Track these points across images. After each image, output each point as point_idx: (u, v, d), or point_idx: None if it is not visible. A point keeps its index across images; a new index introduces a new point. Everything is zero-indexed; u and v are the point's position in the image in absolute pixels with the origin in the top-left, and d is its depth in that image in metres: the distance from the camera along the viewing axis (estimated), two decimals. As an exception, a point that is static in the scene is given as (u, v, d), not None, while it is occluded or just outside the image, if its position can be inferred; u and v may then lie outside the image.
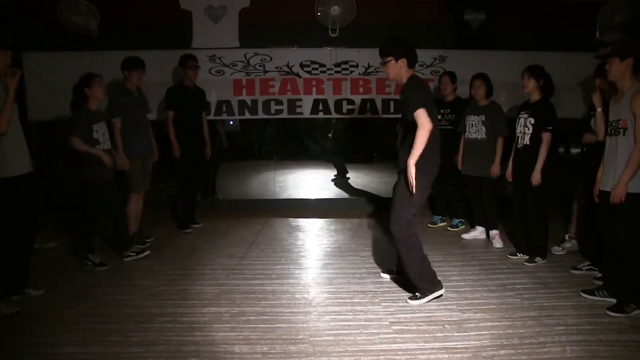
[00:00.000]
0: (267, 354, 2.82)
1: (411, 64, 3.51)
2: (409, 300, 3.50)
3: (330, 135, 8.31)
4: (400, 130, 3.62)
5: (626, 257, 3.24)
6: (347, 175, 8.13)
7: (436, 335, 3.03)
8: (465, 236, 5.12)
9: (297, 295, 3.66)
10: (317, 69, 6.10)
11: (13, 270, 3.43)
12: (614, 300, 3.36)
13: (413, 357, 2.79)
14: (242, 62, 6.04)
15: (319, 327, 3.15)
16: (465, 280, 3.92)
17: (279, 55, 6.07)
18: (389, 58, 3.49)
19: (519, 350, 2.83)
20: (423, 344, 2.93)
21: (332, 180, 8.10)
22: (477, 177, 4.88)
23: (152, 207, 5.36)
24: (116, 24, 5.77)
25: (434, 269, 3.60)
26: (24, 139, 3.47)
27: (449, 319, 3.24)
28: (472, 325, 3.16)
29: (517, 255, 4.43)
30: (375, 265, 4.32)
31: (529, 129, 4.21)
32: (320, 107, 6.14)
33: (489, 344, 2.92)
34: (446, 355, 2.80)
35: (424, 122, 3.28)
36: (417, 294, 3.52)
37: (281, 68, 6.08)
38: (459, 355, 2.80)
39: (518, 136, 4.32)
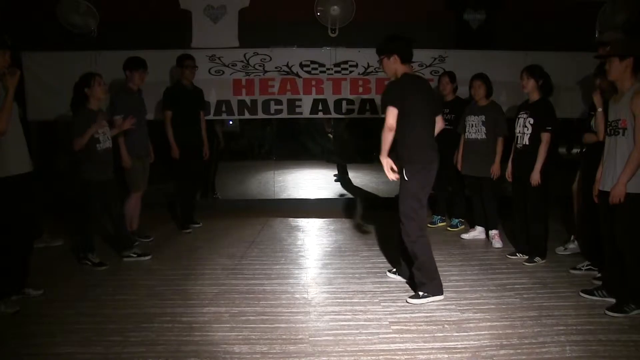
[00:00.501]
0: (267, 354, 2.82)
1: (404, 58, 3.51)
2: (409, 300, 3.50)
3: (330, 135, 8.30)
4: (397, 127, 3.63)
5: (626, 257, 3.24)
6: (348, 175, 8.12)
7: (436, 335, 3.03)
8: (465, 236, 5.12)
9: (297, 295, 3.66)
10: (316, 68, 6.10)
11: (13, 270, 3.43)
12: (613, 300, 3.35)
13: (412, 357, 2.78)
14: (242, 62, 6.04)
15: (318, 327, 3.15)
16: (464, 280, 3.92)
17: (278, 55, 6.07)
18: (382, 56, 3.55)
19: (519, 350, 2.83)
20: (422, 343, 2.92)
21: (335, 178, 8.09)
22: (477, 177, 4.88)
23: (151, 207, 5.36)
24: (116, 23, 5.77)
25: (434, 268, 3.61)
26: (24, 139, 3.47)
27: (449, 319, 3.24)
28: (471, 325, 3.16)
29: (517, 255, 4.43)
30: (375, 265, 4.31)
31: (528, 129, 4.21)
32: (320, 107, 6.15)
33: (488, 343, 2.91)
34: (446, 355, 2.80)
35: (387, 120, 3.39)
36: (419, 292, 3.51)
37: (281, 68, 6.08)
38: (458, 355, 2.79)
39: (517, 136, 4.32)
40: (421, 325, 3.16)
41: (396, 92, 3.44)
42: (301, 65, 6.09)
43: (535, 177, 4.13)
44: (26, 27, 5.66)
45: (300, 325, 3.17)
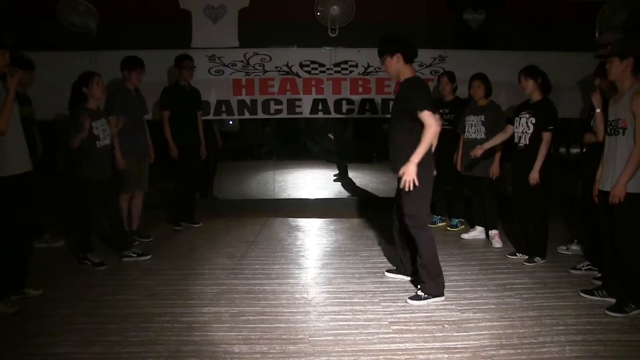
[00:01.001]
0: (267, 354, 2.82)
1: (407, 58, 3.51)
2: (409, 300, 3.50)
3: (331, 135, 8.30)
4: (392, 130, 3.62)
5: (626, 257, 3.24)
6: (348, 175, 8.13)
7: (435, 335, 3.03)
8: (465, 236, 5.12)
9: (297, 295, 3.66)
10: (316, 68, 6.10)
11: (12, 270, 3.42)
12: (613, 301, 3.36)
13: (412, 356, 2.79)
14: (242, 62, 6.04)
15: (318, 327, 3.15)
16: (464, 280, 3.92)
17: (278, 55, 6.06)
18: (385, 55, 3.53)
19: (519, 350, 2.83)
20: (422, 343, 2.93)
21: (335, 178, 8.10)
22: (476, 177, 4.88)
23: (151, 208, 5.36)
24: (116, 23, 5.77)
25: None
26: (24, 138, 3.46)
27: (449, 319, 3.24)
28: (471, 325, 3.16)
29: (517, 255, 4.43)
30: (374, 265, 4.31)
31: (530, 129, 4.21)
32: (320, 107, 6.14)
33: (488, 343, 2.92)
34: (445, 355, 2.80)
35: (432, 123, 3.30)
36: (421, 294, 3.51)
37: (280, 68, 6.07)
38: (458, 355, 2.79)
39: (519, 136, 4.31)
40: (421, 325, 3.16)
41: (426, 95, 3.45)
42: (301, 65, 6.09)
43: (534, 176, 4.13)
44: (26, 27, 5.66)
45: (300, 325, 3.18)
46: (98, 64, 5.35)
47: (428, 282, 3.51)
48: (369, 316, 3.30)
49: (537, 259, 4.28)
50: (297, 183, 8.07)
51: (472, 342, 2.93)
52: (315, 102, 6.13)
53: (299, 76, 6.09)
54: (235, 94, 6.08)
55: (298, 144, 8.95)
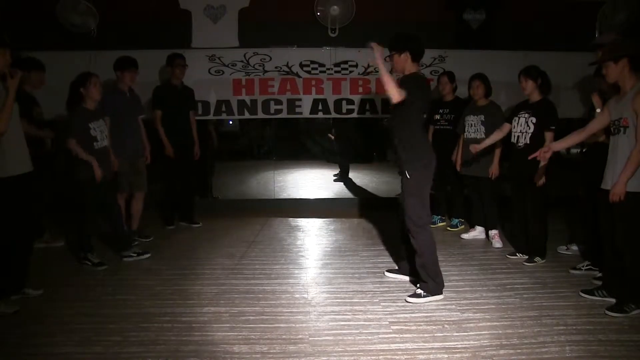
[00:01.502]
0: (267, 354, 2.82)
1: (415, 57, 3.54)
2: (408, 299, 3.50)
3: (332, 136, 8.31)
4: (393, 128, 3.63)
5: (626, 256, 3.24)
6: (348, 175, 8.13)
7: (435, 335, 3.03)
8: (465, 236, 5.12)
9: (297, 295, 3.66)
10: (316, 68, 6.10)
11: (12, 270, 3.42)
12: (613, 300, 3.36)
13: (412, 357, 2.79)
14: (242, 61, 6.04)
15: (318, 327, 3.15)
16: (464, 280, 3.92)
17: (278, 55, 6.06)
18: (393, 51, 3.55)
19: (519, 350, 2.83)
20: (422, 343, 2.93)
21: (335, 178, 8.11)
22: (476, 177, 4.88)
23: (151, 208, 5.36)
24: (115, 23, 5.77)
25: (434, 268, 3.61)
26: (24, 139, 3.46)
27: (449, 319, 3.24)
28: (471, 325, 3.16)
29: (517, 255, 4.43)
30: (374, 265, 4.31)
31: (530, 129, 4.21)
32: (320, 107, 6.14)
33: (488, 343, 2.92)
34: (445, 355, 2.80)
35: (398, 92, 3.30)
36: (420, 292, 3.52)
37: (280, 68, 6.07)
38: (458, 355, 2.79)
39: (517, 135, 4.32)
40: (421, 325, 3.16)
41: (418, 87, 3.46)
42: (301, 65, 6.08)
43: (540, 177, 4.13)
44: (26, 27, 5.66)
45: (300, 325, 3.18)
46: (98, 64, 5.34)
47: (428, 282, 3.52)
48: (369, 316, 3.30)
49: (537, 259, 4.28)
50: (297, 183, 8.08)
51: (472, 342, 2.93)
52: (315, 102, 6.13)
53: (299, 76, 6.09)
54: (236, 94, 6.07)
55: (298, 144, 8.95)
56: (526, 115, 4.25)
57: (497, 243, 4.82)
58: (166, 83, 5.36)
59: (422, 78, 3.61)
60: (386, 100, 6.08)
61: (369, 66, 6.07)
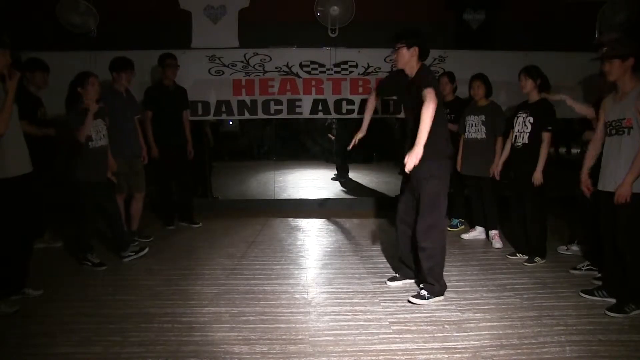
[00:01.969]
0: (267, 354, 2.82)
1: (422, 55, 3.50)
2: (412, 299, 3.48)
3: (332, 136, 8.30)
4: (409, 127, 3.56)
5: (627, 257, 3.23)
6: (348, 175, 8.13)
7: (436, 335, 3.03)
8: (465, 236, 5.12)
9: (297, 296, 3.66)
10: (316, 69, 6.10)
11: (12, 271, 3.42)
12: (613, 300, 3.35)
13: (412, 357, 2.79)
14: (242, 62, 6.04)
15: (318, 327, 3.15)
16: (464, 280, 3.92)
17: (278, 55, 6.07)
18: (401, 44, 3.47)
19: (519, 350, 2.83)
20: (422, 344, 2.92)
21: (333, 177, 8.11)
22: (476, 177, 4.88)
23: (149, 209, 5.36)
24: (115, 23, 5.77)
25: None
26: (23, 139, 3.46)
27: (449, 319, 3.24)
28: (471, 325, 3.16)
29: (517, 256, 4.43)
30: (375, 265, 4.31)
31: (528, 128, 4.22)
32: (320, 107, 6.14)
33: (488, 344, 2.91)
34: (446, 356, 2.80)
35: (432, 99, 3.21)
36: (425, 293, 3.49)
37: (281, 68, 6.07)
38: (458, 355, 2.79)
39: (516, 135, 4.32)
40: (421, 325, 3.16)
41: (434, 78, 3.45)
42: (301, 66, 6.09)
43: (538, 177, 4.13)
44: (26, 27, 5.66)
45: (300, 325, 3.17)
46: (98, 64, 5.34)
47: (435, 285, 3.51)
48: (369, 316, 3.30)
49: (537, 259, 4.28)
50: (297, 183, 8.08)
51: (472, 343, 2.93)
52: (315, 102, 6.13)
53: (299, 76, 6.09)
54: (235, 94, 6.08)
55: (298, 144, 8.95)
56: (524, 115, 4.26)
57: (497, 243, 4.82)
58: (158, 83, 5.35)
59: (426, 67, 3.57)
60: (386, 101, 6.12)
61: (369, 66, 6.08)
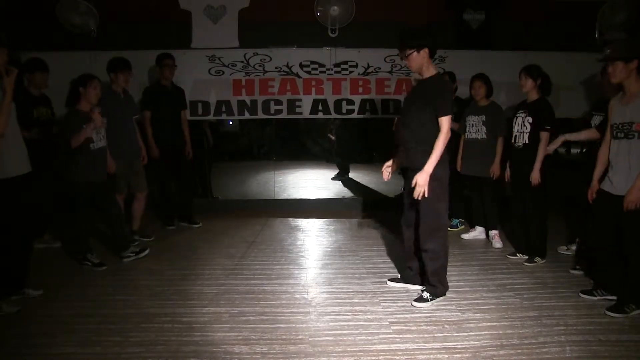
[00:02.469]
0: (267, 354, 2.82)
1: (432, 53, 3.43)
2: (415, 303, 3.46)
3: (332, 136, 8.31)
4: (406, 126, 3.53)
5: (633, 260, 3.19)
6: (348, 175, 8.14)
7: (436, 335, 3.03)
8: (465, 236, 5.12)
9: (297, 296, 3.66)
10: (316, 69, 6.10)
11: (12, 271, 3.42)
12: (613, 298, 3.35)
13: (412, 357, 2.79)
14: (242, 62, 6.04)
15: (318, 328, 3.15)
16: (464, 281, 3.92)
17: (278, 55, 6.07)
18: (411, 51, 3.39)
19: (519, 351, 2.83)
20: (422, 344, 2.93)
21: (333, 177, 8.12)
22: (477, 177, 4.88)
23: (149, 209, 5.36)
24: (115, 23, 5.77)
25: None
26: (22, 139, 3.44)
27: (449, 319, 3.24)
28: (471, 325, 3.16)
29: (517, 256, 4.43)
30: (375, 265, 4.31)
31: (527, 128, 4.21)
32: (320, 107, 6.14)
33: (488, 344, 2.91)
34: (446, 356, 2.80)
35: (448, 130, 3.31)
36: (427, 296, 3.48)
37: (281, 68, 6.07)
38: (458, 356, 2.79)
39: (515, 135, 4.32)
40: (421, 325, 3.16)
41: (451, 99, 3.44)
42: (301, 66, 6.09)
43: (536, 176, 4.13)
44: (26, 27, 5.66)
45: (300, 325, 3.17)
46: (98, 64, 5.34)
47: (438, 286, 3.51)
48: (369, 316, 3.30)
49: (537, 259, 4.28)
50: (297, 183, 8.08)
51: (472, 343, 2.93)
52: (316, 102, 6.13)
53: (299, 76, 6.09)
54: (236, 95, 6.08)
55: (298, 144, 8.96)
56: (523, 114, 4.26)
57: (497, 243, 4.82)
58: (156, 84, 5.35)
59: (448, 84, 3.54)
60: (386, 101, 6.12)
61: (369, 66, 6.08)
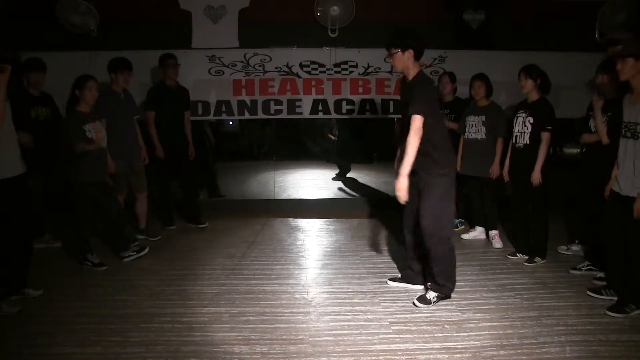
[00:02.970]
0: (267, 354, 2.82)
1: (418, 55, 3.45)
2: (417, 303, 3.44)
3: (333, 137, 8.31)
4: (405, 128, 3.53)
5: (635, 262, 3.19)
6: (348, 175, 8.13)
7: (436, 335, 3.03)
8: (465, 236, 5.11)
9: (297, 296, 3.66)
10: (316, 69, 6.10)
11: (12, 271, 3.42)
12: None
13: (413, 357, 2.79)
14: (242, 62, 6.04)
15: (318, 328, 3.15)
16: (465, 281, 3.91)
17: (278, 55, 6.06)
18: (396, 50, 3.43)
19: (519, 351, 2.83)
20: (423, 344, 2.93)
21: (334, 177, 8.12)
22: (476, 177, 4.88)
23: (152, 208, 5.36)
24: (115, 23, 5.77)
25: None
26: (16, 140, 3.41)
27: (449, 319, 3.24)
28: (471, 325, 3.16)
29: (517, 256, 4.43)
30: (375, 265, 4.31)
31: (528, 128, 4.21)
32: (320, 107, 6.14)
33: (488, 344, 2.92)
34: (446, 356, 2.80)
35: (418, 128, 3.25)
36: (431, 296, 3.46)
37: (281, 68, 6.07)
38: (458, 356, 2.79)
39: (516, 135, 4.32)
40: (421, 325, 3.16)
41: (429, 99, 3.40)
42: (301, 66, 6.08)
43: (537, 177, 4.13)
44: (26, 27, 5.66)
45: (301, 325, 3.17)
46: (98, 64, 5.34)
47: (445, 284, 3.49)
48: (369, 316, 3.30)
49: (537, 259, 4.28)
50: (297, 183, 8.08)
51: (472, 343, 2.93)
52: (316, 102, 6.13)
53: (299, 76, 6.09)
54: (236, 95, 6.07)
55: (298, 144, 8.96)
56: (524, 115, 4.26)
57: (497, 243, 4.82)
58: (160, 84, 5.33)
59: (430, 79, 3.51)
60: (386, 101, 6.12)
61: (369, 66, 6.08)
